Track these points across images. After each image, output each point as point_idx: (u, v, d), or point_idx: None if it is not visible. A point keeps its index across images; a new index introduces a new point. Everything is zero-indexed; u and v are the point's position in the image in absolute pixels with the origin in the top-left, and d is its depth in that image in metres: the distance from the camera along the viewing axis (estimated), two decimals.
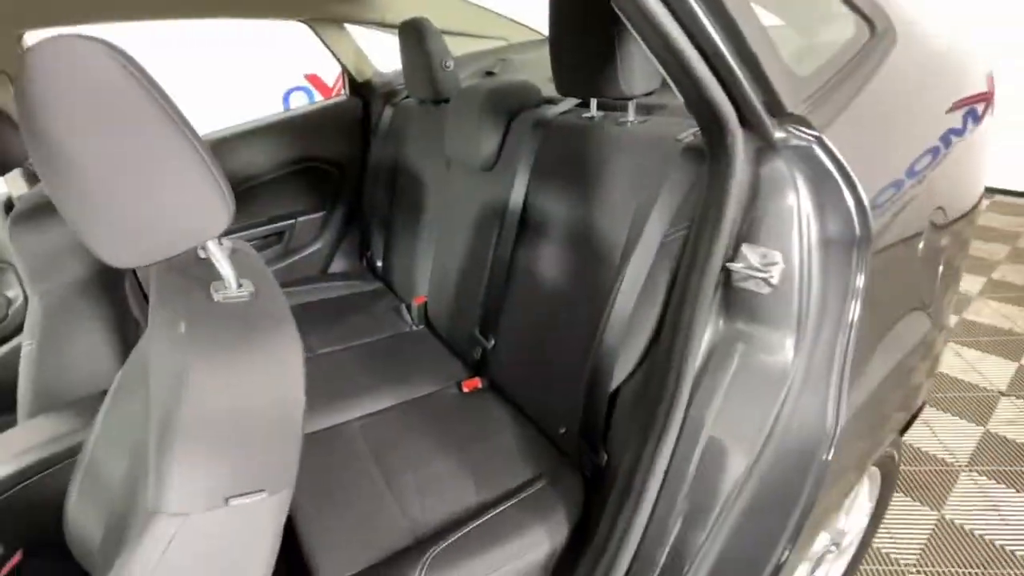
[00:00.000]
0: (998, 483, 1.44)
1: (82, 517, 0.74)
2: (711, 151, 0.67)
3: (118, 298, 1.24)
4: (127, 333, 1.24)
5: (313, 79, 4.30)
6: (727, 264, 0.69)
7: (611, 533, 0.74)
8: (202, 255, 0.55)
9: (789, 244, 0.65)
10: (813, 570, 1.01)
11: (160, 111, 0.44)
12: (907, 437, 1.60)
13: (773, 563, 0.68)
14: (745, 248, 0.68)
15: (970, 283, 2.34)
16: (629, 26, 0.58)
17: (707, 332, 0.71)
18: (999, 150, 3.54)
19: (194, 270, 0.56)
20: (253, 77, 3.88)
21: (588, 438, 0.91)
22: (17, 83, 0.42)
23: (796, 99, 0.64)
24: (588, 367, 0.90)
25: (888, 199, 0.70)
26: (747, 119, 0.63)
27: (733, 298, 0.70)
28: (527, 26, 1.96)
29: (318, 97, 4.32)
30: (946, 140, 0.85)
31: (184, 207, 0.46)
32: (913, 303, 0.81)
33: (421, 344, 1.40)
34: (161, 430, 0.48)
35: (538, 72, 1.61)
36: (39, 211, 1.05)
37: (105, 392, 0.76)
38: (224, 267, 0.52)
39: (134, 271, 1.43)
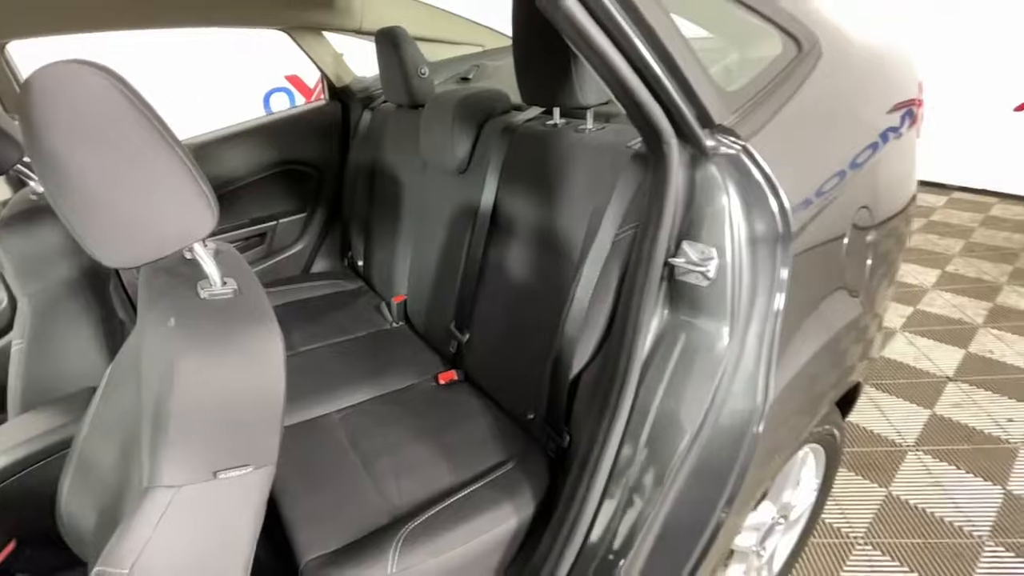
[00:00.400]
0: (941, 461, 1.55)
1: (75, 505, 0.79)
2: (652, 158, 0.74)
3: (104, 299, 1.28)
4: (113, 332, 1.28)
5: (294, 80, 4.32)
6: (669, 260, 0.76)
7: (571, 505, 0.82)
8: (188, 256, 0.60)
9: (723, 241, 0.73)
10: (763, 540, 1.10)
11: (150, 127, 0.50)
12: (860, 420, 1.72)
13: (712, 525, 0.76)
14: (685, 245, 0.76)
15: (925, 276, 2.47)
16: (573, 48, 0.66)
17: (654, 322, 0.79)
18: (956, 149, 3.72)
19: (181, 270, 0.62)
20: (234, 79, 3.89)
21: (552, 422, 0.99)
22: (21, 105, 0.48)
23: (724, 112, 0.72)
24: (551, 356, 0.97)
25: (812, 200, 0.79)
26: (681, 130, 0.71)
27: (676, 291, 0.78)
28: (501, 33, 2.03)
29: (299, 98, 4.34)
30: (872, 146, 0.94)
31: (172, 213, 0.52)
32: (841, 291, 0.90)
33: (400, 340, 1.46)
34: (155, 413, 0.53)
35: (511, 78, 1.68)
36: (27, 215, 1.09)
37: (93, 388, 0.81)
38: (209, 267, 0.58)
39: (118, 274, 1.47)
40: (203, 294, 0.57)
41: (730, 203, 0.72)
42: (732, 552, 1.09)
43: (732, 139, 0.72)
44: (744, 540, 1.04)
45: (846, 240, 0.87)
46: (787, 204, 0.72)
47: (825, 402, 0.94)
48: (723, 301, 0.74)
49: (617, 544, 0.80)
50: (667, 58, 0.65)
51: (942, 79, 3.23)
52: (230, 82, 3.88)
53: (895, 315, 2.22)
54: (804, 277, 0.79)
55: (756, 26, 0.81)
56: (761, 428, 0.74)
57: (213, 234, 0.56)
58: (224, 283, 0.58)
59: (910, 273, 2.52)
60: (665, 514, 0.77)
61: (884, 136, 0.97)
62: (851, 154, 0.88)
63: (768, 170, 0.72)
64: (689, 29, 0.77)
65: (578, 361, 0.93)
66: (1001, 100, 3.08)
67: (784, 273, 0.74)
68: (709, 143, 0.72)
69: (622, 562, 0.78)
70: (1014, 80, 3.00)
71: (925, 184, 3.50)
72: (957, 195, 3.32)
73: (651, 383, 0.78)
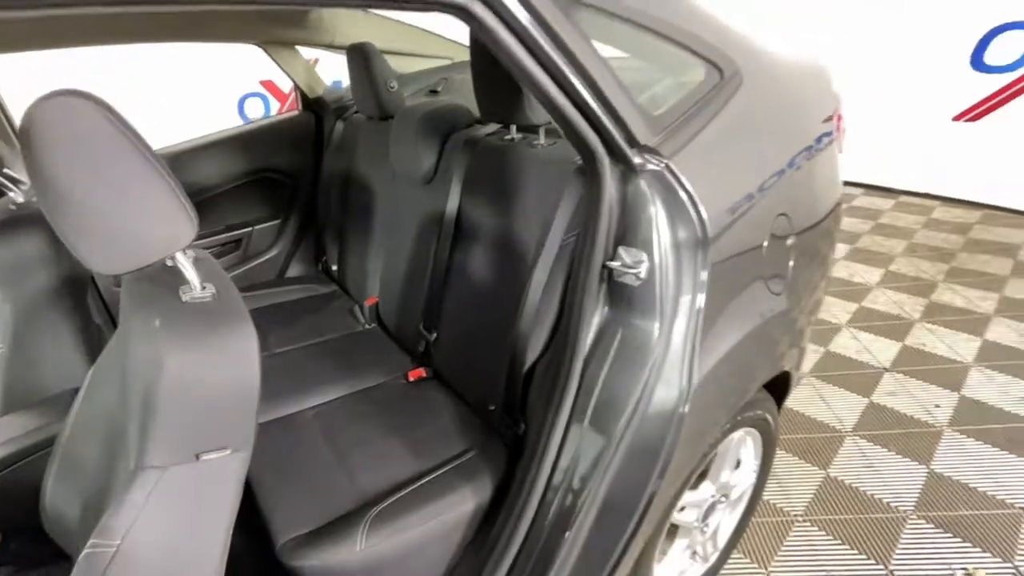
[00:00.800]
0: (875, 445, 1.69)
1: (59, 500, 0.84)
2: (588, 173, 0.84)
3: (82, 306, 1.33)
4: (91, 337, 1.33)
5: (268, 86, 4.34)
6: (607, 263, 0.86)
7: (523, 485, 0.91)
8: (169, 264, 0.68)
9: (651, 247, 0.83)
10: (704, 516, 1.21)
11: (135, 150, 0.58)
12: (804, 409, 1.85)
13: (647, 495, 0.86)
14: (621, 250, 0.86)
15: (870, 275, 2.65)
16: (513, 75, 0.75)
17: (595, 318, 0.89)
18: (903, 155, 3.92)
19: (163, 277, 0.69)
20: (209, 84, 3.90)
21: (509, 411, 1.08)
22: (22, 133, 0.55)
23: (649, 133, 0.82)
24: (508, 352, 1.06)
25: (729, 210, 0.90)
26: (612, 149, 0.81)
27: (614, 290, 0.88)
28: (467, 46, 2.12)
29: (273, 102, 4.37)
30: (790, 161, 1.05)
31: (157, 226, 0.59)
32: (762, 289, 1.01)
33: (372, 341, 1.54)
34: (143, 403, 0.61)
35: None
36: (7, 224, 1.13)
37: (75, 390, 0.86)
38: (190, 273, 0.65)
39: (95, 282, 1.51)
40: (184, 298, 0.65)
41: (656, 213, 0.83)
42: (676, 528, 1.20)
43: (657, 157, 0.82)
44: (686, 516, 1.15)
45: (765, 244, 0.99)
46: (704, 214, 0.83)
47: (751, 387, 1.05)
48: (653, 299, 0.84)
49: (564, 518, 0.89)
50: (592, 84, 0.75)
51: (891, 92, 3.44)
52: (204, 87, 3.88)
53: (841, 311, 2.38)
54: (725, 277, 0.90)
55: (681, 54, 0.92)
56: (686, 409, 0.85)
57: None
58: (203, 288, 0.65)
59: (857, 273, 2.69)
60: (605, 489, 0.87)
61: (802, 152, 1.09)
62: (768, 169, 0.99)
63: (688, 185, 0.82)
64: (623, 57, 0.87)
65: (531, 355, 1.02)
66: (942, 111, 3.30)
67: (704, 274, 0.85)
68: (637, 160, 0.82)
69: (567, 534, 0.88)
70: (953, 93, 3.22)
71: (875, 188, 3.71)
72: (904, 199, 3.53)
73: (593, 372, 0.88)
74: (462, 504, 0.97)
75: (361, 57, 1.54)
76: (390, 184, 1.57)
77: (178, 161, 1.71)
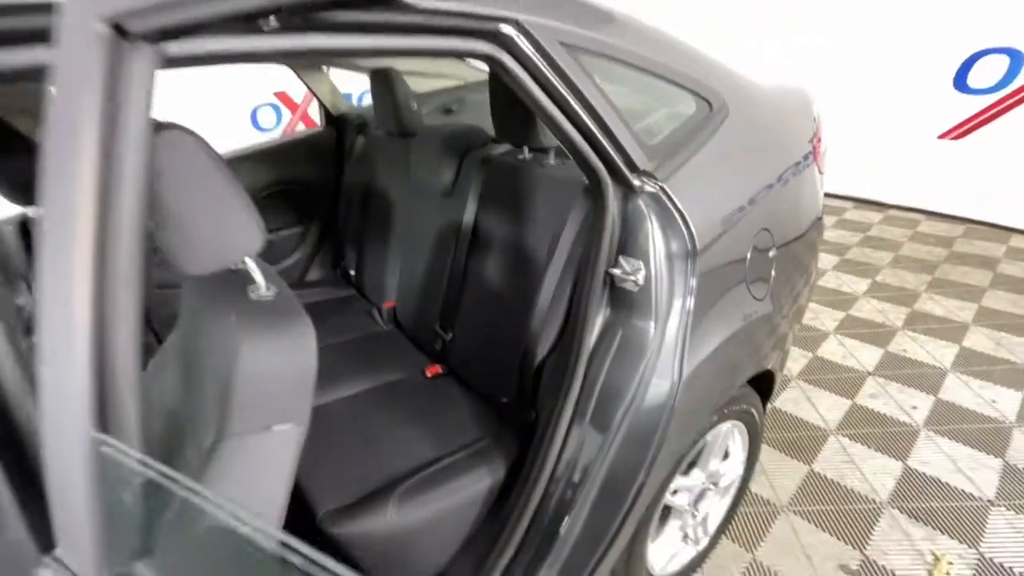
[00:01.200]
0: (856, 443, 1.82)
1: None
2: (594, 192, 0.97)
3: None
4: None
5: (282, 96, 4.50)
6: (609, 270, 0.99)
7: (533, 465, 1.03)
8: (237, 267, 0.80)
9: (648, 257, 0.97)
10: (696, 502, 1.33)
11: (222, 174, 0.71)
12: (792, 410, 1.98)
13: (641, 476, 0.98)
14: (622, 259, 0.99)
15: (857, 285, 2.78)
16: (528, 107, 0.88)
17: (599, 319, 1.02)
18: (892, 171, 4.07)
19: (228, 277, 0.82)
20: (222, 94, 4.04)
21: (521, 402, 1.20)
22: (152, 159, 0.68)
23: (646, 160, 0.96)
24: (521, 349, 1.19)
25: (716, 225, 1.03)
26: (614, 172, 0.94)
27: (615, 295, 1.01)
28: (479, 68, 2.27)
29: (285, 113, 4.52)
30: (770, 183, 1.19)
31: (236, 236, 0.72)
32: (745, 295, 1.14)
33: (391, 340, 1.67)
34: (221, 384, 0.73)
35: (488, 112, 1.91)
36: None
37: None
38: (258, 275, 0.78)
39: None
40: (252, 296, 0.77)
41: (652, 228, 0.96)
42: (670, 511, 1.32)
43: (653, 181, 0.96)
44: (679, 499, 1.27)
45: (748, 255, 1.12)
46: (694, 229, 0.96)
47: (736, 382, 1.18)
48: (649, 302, 0.98)
49: (568, 497, 1.01)
50: (597, 118, 0.88)
51: (880, 111, 3.60)
52: (218, 97, 4.02)
53: (829, 319, 2.52)
54: (712, 284, 1.03)
55: (674, 90, 1.06)
56: (676, 400, 0.98)
57: None
58: (268, 288, 0.78)
59: (845, 283, 2.82)
60: (606, 470, 0.99)
61: (783, 172, 1.23)
62: (751, 189, 1.13)
63: (679, 204, 0.96)
64: (624, 90, 1.01)
65: (541, 351, 1.15)
66: (928, 128, 3.46)
67: (693, 281, 0.98)
68: (636, 183, 0.96)
69: (572, 510, 1.00)
70: (937, 112, 3.38)
71: (865, 202, 3.86)
72: (892, 212, 3.68)
73: (596, 367, 1.01)
74: (479, 483, 1.10)
75: (385, 80, 1.68)
76: (409, 196, 1.70)
77: None
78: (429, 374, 1.48)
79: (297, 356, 0.75)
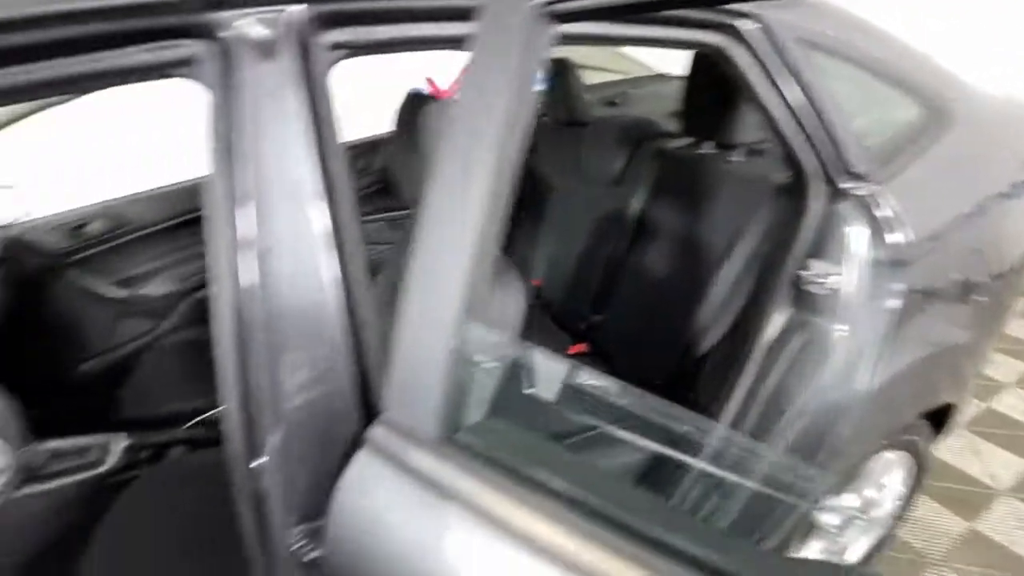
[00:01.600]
0: None
1: None
2: (795, 190, 0.97)
3: None
4: None
5: (430, 82, 4.84)
6: (799, 272, 0.98)
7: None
8: None
9: (849, 262, 0.94)
10: (842, 528, 1.27)
11: None
12: (956, 462, 1.78)
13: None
14: (813, 261, 0.97)
15: None
16: (747, 97, 0.89)
17: (781, 318, 1.02)
18: None
19: None
20: (371, 81, 4.43)
21: (679, 386, 1.22)
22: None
23: (860, 161, 0.93)
24: (685, 337, 1.21)
25: (926, 240, 0.97)
26: (825, 172, 0.93)
27: (800, 296, 1.00)
28: (640, 62, 2.28)
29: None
30: (991, 203, 1.09)
31: None
32: (941, 320, 1.06)
33: (533, 318, 1.76)
34: None
35: (652, 106, 1.92)
36: None
37: None
38: None
39: None
40: None
41: (856, 234, 0.93)
42: (814, 528, 1.27)
43: (864, 184, 0.93)
44: (827, 517, 1.21)
45: (956, 276, 1.04)
46: (902, 241, 0.92)
47: (916, 409, 1.10)
48: (842, 309, 0.95)
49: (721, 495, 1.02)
50: (821, 116, 0.88)
51: None
52: (368, 84, 4.40)
53: (1009, 371, 2.20)
54: (913, 300, 0.98)
55: (896, 95, 1.01)
56: (854, 412, 0.95)
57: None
58: None
59: None
60: (764, 469, 0.99)
61: (999, 197, 1.12)
62: (967, 208, 1.04)
63: (890, 213, 0.92)
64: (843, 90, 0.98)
65: (708, 342, 1.17)
66: None
67: (895, 294, 0.94)
68: (844, 184, 0.93)
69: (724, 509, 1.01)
70: None
71: None
72: None
73: (772, 363, 1.01)
74: (635, 453, 1.14)
75: (563, 69, 1.77)
76: (572, 181, 1.77)
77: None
78: (571, 352, 1.55)
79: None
